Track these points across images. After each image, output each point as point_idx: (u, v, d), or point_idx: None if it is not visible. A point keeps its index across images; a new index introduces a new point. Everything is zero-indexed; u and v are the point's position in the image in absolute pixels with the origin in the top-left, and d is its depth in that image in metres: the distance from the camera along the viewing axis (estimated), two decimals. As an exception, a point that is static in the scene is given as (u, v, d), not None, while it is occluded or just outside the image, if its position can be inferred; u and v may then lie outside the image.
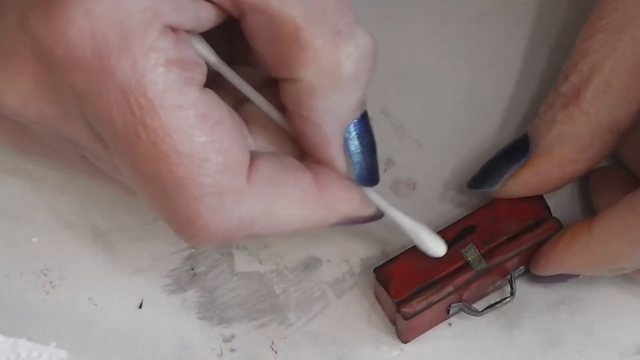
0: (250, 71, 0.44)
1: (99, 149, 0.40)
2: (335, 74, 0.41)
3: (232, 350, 0.48)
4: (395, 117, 0.50)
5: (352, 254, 0.49)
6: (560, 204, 0.49)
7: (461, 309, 0.47)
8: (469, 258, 0.46)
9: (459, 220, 0.47)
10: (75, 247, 0.49)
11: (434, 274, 0.46)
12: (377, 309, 0.48)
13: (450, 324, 0.48)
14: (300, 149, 0.44)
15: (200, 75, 0.40)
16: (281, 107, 0.43)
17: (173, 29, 0.39)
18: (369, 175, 0.44)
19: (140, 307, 0.49)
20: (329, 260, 0.49)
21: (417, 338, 0.48)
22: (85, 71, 0.38)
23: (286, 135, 0.44)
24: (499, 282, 0.47)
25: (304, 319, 0.49)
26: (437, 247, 0.45)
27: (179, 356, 0.48)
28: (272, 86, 0.43)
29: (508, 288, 0.48)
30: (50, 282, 0.49)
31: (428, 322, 0.47)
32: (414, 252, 0.46)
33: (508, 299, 0.47)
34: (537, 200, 0.47)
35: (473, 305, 0.47)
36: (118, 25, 0.37)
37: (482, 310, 0.47)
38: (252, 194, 0.41)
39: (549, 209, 0.47)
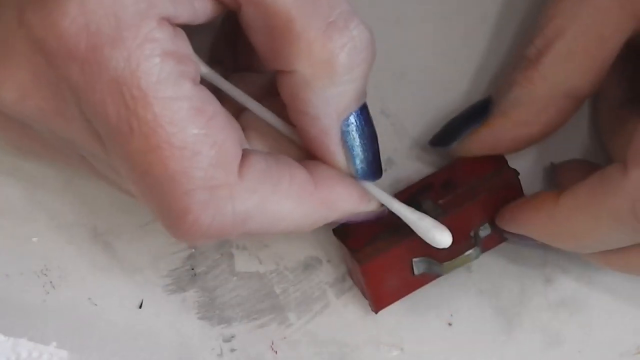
0: (254, 77, 0.44)
1: (96, 148, 0.40)
2: (329, 65, 0.40)
3: (232, 350, 0.48)
4: (395, 117, 0.50)
5: (352, 254, 0.49)
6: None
7: (425, 267, 0.46)
8: (424, 207, 0.46)
9: (417, 181, 0.47)
10: (75, 247, 0.49)
11: (390, 225, 0.45)
12: (377, 309, 0.49)
13: (450, 324, 0.49)
14: (301, 154, 0.44)
15: (194, 71, 0.40)
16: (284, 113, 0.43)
17: (169, 21, 0.39)
18: (370, 169, 0.44)
19: (140, 307, 0.49)
20: (329, 260, 0.49)
21: (418, 337, 0.48)
22: (79, 63, 0.38)
23: (286, 140, 0.44)
24: (466, 244, 0.47)
25: (304, 319, 0.49)
26: (442, 236, 0.44)
27: (179, 356, 0.48)
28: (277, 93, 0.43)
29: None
30: (50, 282, 0.49)
31: (394, 282, 0.47)
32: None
33: (471, 252, 0.46)
34: (496, 157, 0.47)
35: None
36: (113, 17, 0.37)
37: (444, 263, 0.46)
38: (245, 188, 0.40)
39: (507, 161, 0.47)
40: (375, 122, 0.43)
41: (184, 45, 0.39)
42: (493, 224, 0.47)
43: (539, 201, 0.45)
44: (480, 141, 0.47)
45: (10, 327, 0.48)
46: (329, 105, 0.42)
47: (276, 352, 0.48)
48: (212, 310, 0.49)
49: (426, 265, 0.46)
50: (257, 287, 0.49)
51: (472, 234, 0.46)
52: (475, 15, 0.51)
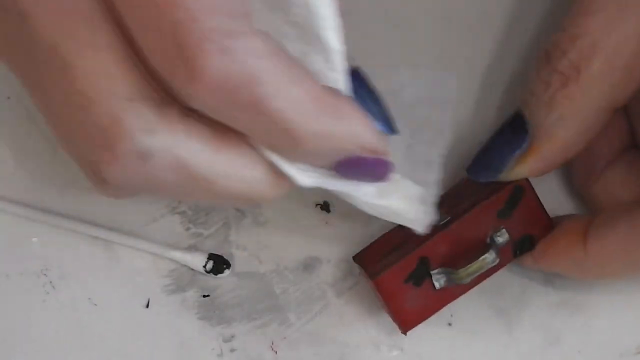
0: None
1: None
2: None
3: (232, 350, 0.48)
4: (396, 117, 0.50)
5: (352, 254, 0.49)
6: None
7: (445, 279, 0.46)
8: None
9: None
10: (75, 247, 0.49)
11: (400, 241, 0.46)
12: (377, 309, 0.48)
13: (450, 324, 0.49)
14: None
15: None
16: None
17: None
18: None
19: (147, 306, 0.48)
20: (329, 260, 0.49)
21: (418, 337, 0.48)
22: None
23: None
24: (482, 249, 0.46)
25: (304, 319, 0.49)
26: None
27: (179, 356, 0.48)
28: None
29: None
30: (50, 282, 0.49)
31: (416, 299, 0.46)
32: (386, 235, 0.47)
33: (486, 255, 0.45)
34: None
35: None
36: None
37: (459, 269, 0.45)
38: (263, 48, 0.35)
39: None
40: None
41: None
42: (510, 231, 0.46)
43: (565, 245, 0.45)
44: (531, 169, 0.45)
45: (10, 328, 0.48)
46: None
47: (276, 352, 0.48)
48: (212, 310, 0.49)
49: (445, 277, 0.46)
50: (257, 287, 0.49)
51: (488, 240, 0.46)
52: (476, 15, 0.51)
